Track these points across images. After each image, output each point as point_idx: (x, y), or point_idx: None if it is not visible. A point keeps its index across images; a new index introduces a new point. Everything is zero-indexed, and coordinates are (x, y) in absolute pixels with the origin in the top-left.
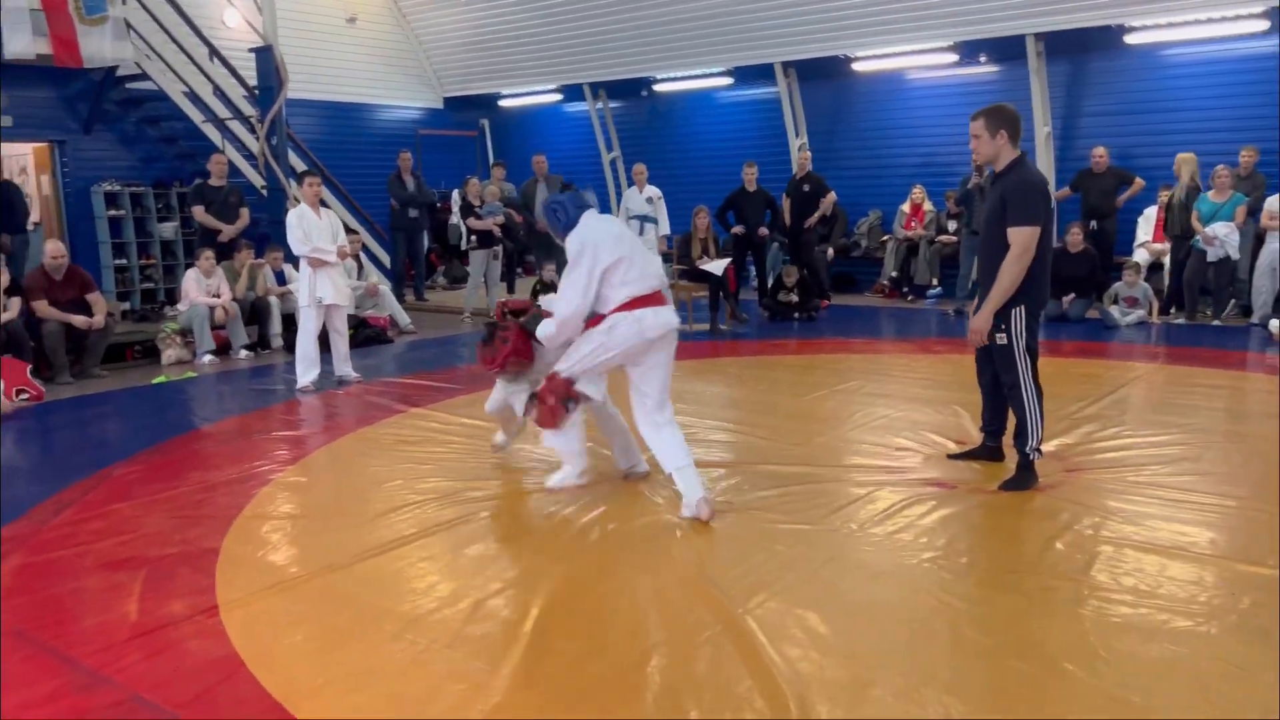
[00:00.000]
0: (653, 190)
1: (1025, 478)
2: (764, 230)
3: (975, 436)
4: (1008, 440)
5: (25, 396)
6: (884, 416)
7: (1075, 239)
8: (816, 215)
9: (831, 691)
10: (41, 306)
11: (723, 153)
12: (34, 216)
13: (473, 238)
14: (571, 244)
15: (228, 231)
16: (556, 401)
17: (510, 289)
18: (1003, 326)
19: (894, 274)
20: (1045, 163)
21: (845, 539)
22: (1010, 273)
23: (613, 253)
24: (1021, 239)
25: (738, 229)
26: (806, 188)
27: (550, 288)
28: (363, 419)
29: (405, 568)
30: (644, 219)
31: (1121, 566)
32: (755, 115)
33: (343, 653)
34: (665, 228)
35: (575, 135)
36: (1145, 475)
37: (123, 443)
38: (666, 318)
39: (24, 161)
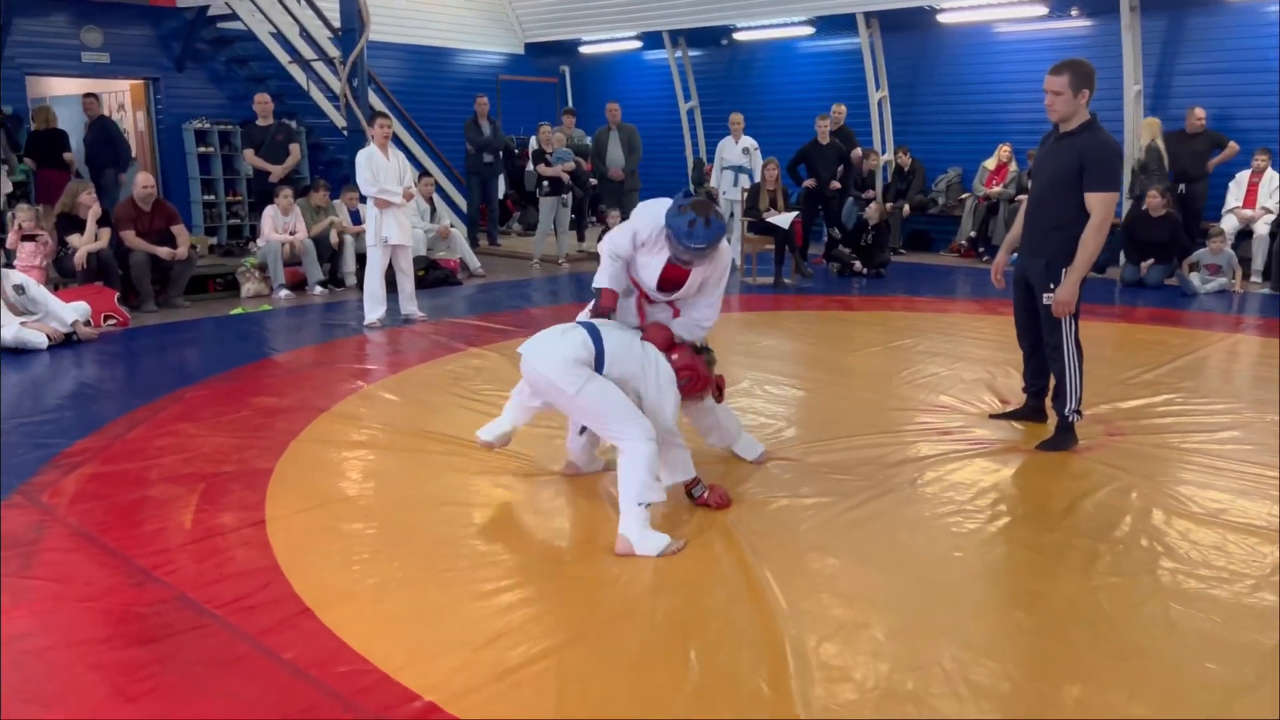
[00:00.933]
0: (748, 141)
1: (1063, 439)
2: (836, 184)
3: (1022, 396)
4: (1051, 401)
5: (112, 322)
6: (934, 374)
7: (1154, 203)
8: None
9: (827, 630)
10: (129, 237)
11: (801, 104)
12: (131, 152)
13: (544, 184)
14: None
15: (276, 172)
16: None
17: (580, 237)
18: (1052, 286)
19: (972, 234)
20: (1133, 123)
21: (870, 490)
22: (1095, 240)
23: None
24: (1104, 205)
25: (809, 182)
26: (837, 142)
27: None
28: (424, 355)
29: (444, 495)
30: (738, 169)
31: (1144, 530)
32: (835, 66)
33: (374, 567)
34: (758, 177)
35: (654, 84)
36: (1191, 442)
37: (197, 368)
38: None
39: (122, 98)
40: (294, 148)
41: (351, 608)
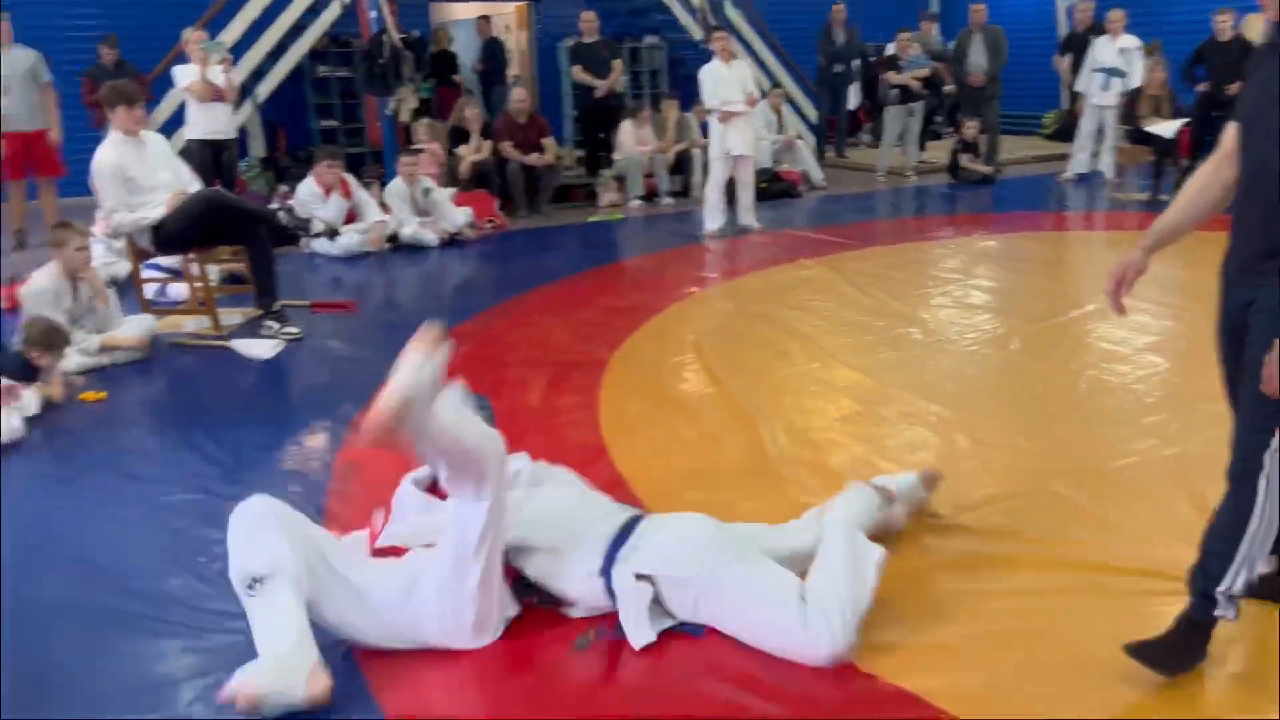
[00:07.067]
0: (1128, 40)
1: (1182, 646)
2: (1234, 87)
3: None
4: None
5: (491, 225)
6: None
7: None
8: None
9: None
10: (506, 148)
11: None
12: (514, 70)
13: (894, 92)
14: None
15: (601, 87)
16: None
17: (920, 146)
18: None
19: None
20: None
21: None
22: None
23: None
24: None
25: (1203, 86)
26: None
27: (971, 147)
28: (754, 265)
29: (751, 394)
30: (1111, 73)
31: None
32: None
33: (684, 454)
34: (1136, 81)
35: None
36: None
37: (556, 269)
38: None
39: (509, 20)
40: (616, 63)
41: (661, 487)
